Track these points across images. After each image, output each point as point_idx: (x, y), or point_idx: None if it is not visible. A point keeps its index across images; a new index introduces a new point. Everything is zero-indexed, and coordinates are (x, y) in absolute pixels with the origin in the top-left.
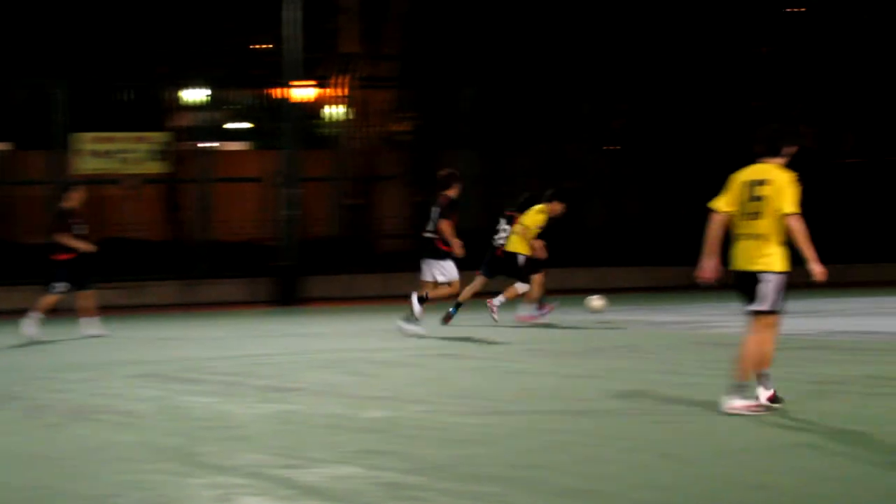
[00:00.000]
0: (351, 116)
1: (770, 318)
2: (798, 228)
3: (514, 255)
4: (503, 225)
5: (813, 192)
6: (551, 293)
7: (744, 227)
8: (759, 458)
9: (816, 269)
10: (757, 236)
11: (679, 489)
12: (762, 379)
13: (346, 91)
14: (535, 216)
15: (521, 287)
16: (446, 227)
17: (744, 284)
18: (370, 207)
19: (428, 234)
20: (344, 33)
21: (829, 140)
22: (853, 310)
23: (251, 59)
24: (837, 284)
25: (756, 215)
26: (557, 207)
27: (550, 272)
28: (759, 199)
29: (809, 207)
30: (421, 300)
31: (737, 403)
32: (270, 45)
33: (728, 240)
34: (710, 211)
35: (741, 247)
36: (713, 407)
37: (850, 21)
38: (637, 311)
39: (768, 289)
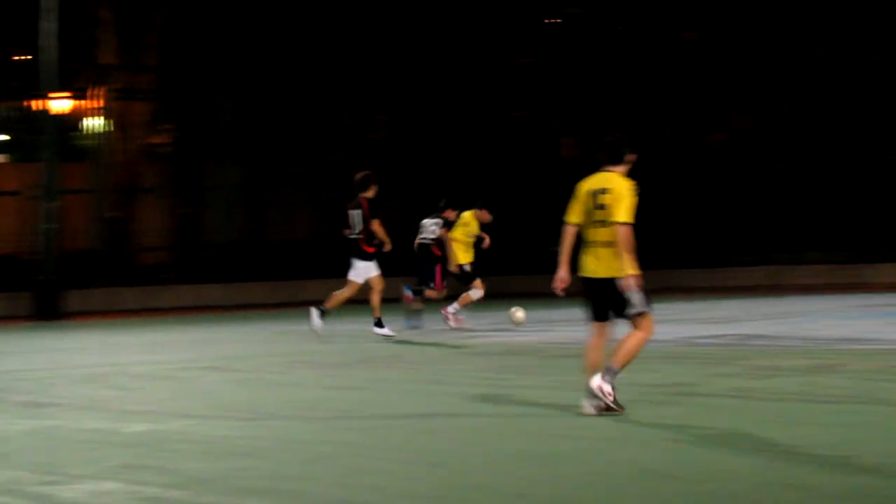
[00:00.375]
0: (110, 128)
1: (649, 317)
2: (624, 237)
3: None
4: (431, 227)
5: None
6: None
7: (592, 235)
8: (524, 466)
9: (626, 280)
10: (606, 244)
11: (442, 499)
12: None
13: (104, 102)
14: (465, 228)
15: (474, 294)
16: (378, 226)
17: (598, 291)
18: (131, 220)
19: (353, 236)
20: (102, 45)
21: (592, 149)
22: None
23: (8, 70)
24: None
25: (602, 223)
26: (486, 216)
27: (328, 282)
28: (602, 207)
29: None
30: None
31: (605, 386)
32: (29, 56)
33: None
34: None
35: (592, 255)
36: (479, 415)
37: (610, 31)
38: (402, 321)
39: (633, 294)
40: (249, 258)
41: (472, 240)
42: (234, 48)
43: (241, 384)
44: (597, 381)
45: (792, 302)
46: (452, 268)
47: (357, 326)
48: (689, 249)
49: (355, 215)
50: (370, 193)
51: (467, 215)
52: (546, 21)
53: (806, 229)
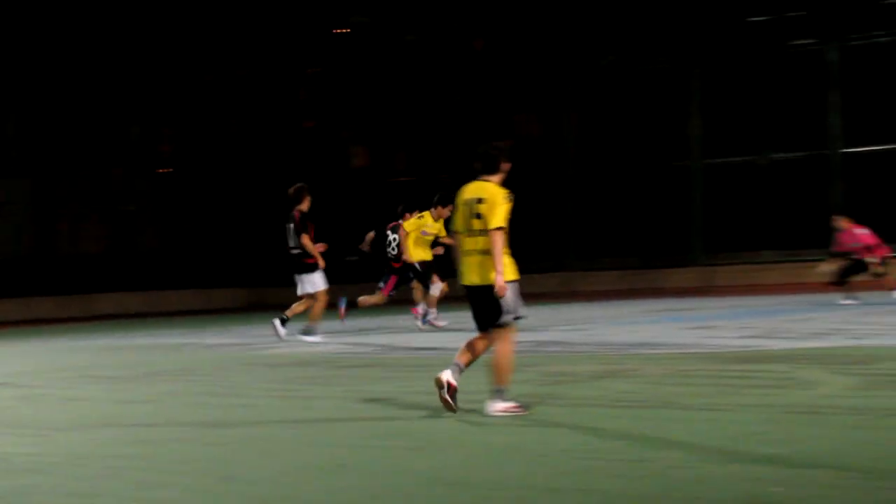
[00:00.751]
0: None
1: (510, 327)
2: (497, 243)
3: (411, 265)
4: (392, 236)
5: (368, 210)
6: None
7: (470, 243)
8: (316, 477)
9: (500, 284)
10: (483, 251)
11: None
12: (497, 393)
13: None
14: (418, 222)
15: (434, 289)
16: (306, 240)
17: (477, 298)
18: None
19: (294, 251)
20: None
21: (382, 158)
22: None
23: None
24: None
25: (479, 232)
26: (444, 212)
27: (119, 295)
28: (479, 216)
29: (364, 225)
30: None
31: (499, 406)
32: None
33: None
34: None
35: (470, 262)
36: (270, 427)
37: (397, 40)
38: (191, 333)
39: (507, 300)
40: (39, 273)
41: (428, 238)
42: (17, 61)
43: (28, 400)
44: (491, 407)
45: (585, 308)
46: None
47: (141, 340)
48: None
49: (289, 229)
50: (304, 206)
51: (420, 215)
52: (334, 31)
53: (597, 236)
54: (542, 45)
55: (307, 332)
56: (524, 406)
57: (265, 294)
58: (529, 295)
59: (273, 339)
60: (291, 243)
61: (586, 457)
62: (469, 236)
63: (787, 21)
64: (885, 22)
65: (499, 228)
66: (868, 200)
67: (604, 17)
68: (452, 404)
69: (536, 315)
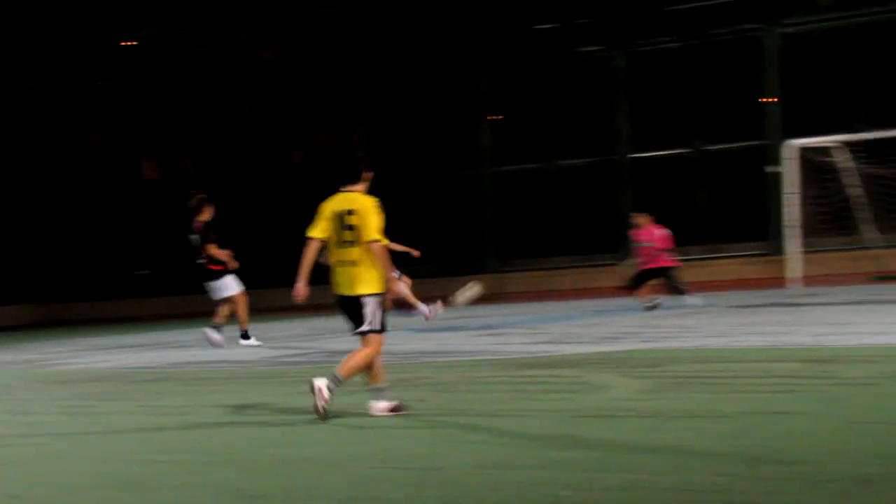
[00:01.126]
0: None
1: (377, 336)
2: (380, 253)
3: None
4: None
5: (160, 222)
6: None
7: (340, 254)
8: (107, 494)
9: (392, 288)
10: (353, 262)
11: None
12: (378, 394)
13: None
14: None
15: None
16: (213, 249)
17: (347, 308)
18: None
19: (199, 261)
20: None
21: (172, 171)
22: (199, 340)
23: None
24: (184, 315)
25: (350, 243)
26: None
27: None
28: (350, 227)
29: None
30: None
31: (381, 405)
32: None
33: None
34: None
35: (340, 273)
36: (60, 443)
37: (187, 52)
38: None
39: (369, 310)
40: None
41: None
42: None
43: None
44: (320, 382)
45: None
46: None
47: None
48: (277, 269)
49: (193, 240)
50: (205, 216)
51: None
52: (122, 43)
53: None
54: (332, 56)
55: (245, 337)
56: (402, 406)
57: (54, 310)
58: (320, 306)
59: (63, 354)
60: (196, 254)
61: (381, 466)
62: (340, 247)
63: (573, 28)
64: (671, 28)
65: (377, 241)
66: (657, 205)
67: (392, 27)
68: (320, 414)
69: (331, 324)
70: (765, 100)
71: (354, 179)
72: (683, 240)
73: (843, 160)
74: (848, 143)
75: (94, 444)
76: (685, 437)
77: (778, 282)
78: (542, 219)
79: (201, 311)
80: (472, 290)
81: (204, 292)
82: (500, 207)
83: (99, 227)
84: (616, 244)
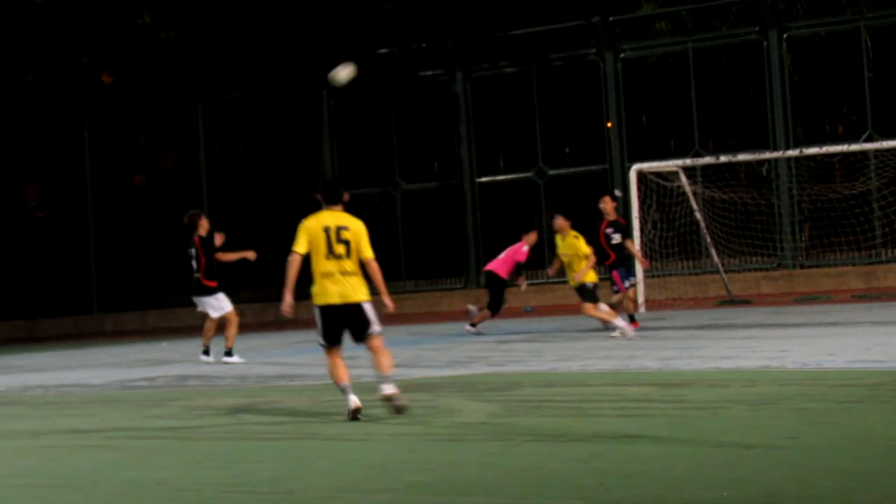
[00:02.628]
0: None
1: (379, 336)
2: (377, 269)
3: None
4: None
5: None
6: None
7: (331, 265)
8: None
9: (389, 303)
10: (349, 273)
11: None
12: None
13: None
14: None
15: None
16: (225, 255)
17: (343, 315)
18: None
19: (195, 275)
20: None
21: (14, 194)
22: (46, 364)
23: None
24: (27, 339)
25: (343, 256)
26: None
27: None
28: (345, 241)
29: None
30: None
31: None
32: None
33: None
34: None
35: (333, 283)
36: None
37: (24, 76)
38: None
39: (370, 313)
40: None
41: None
42: None
43: None
44: (389, 389)
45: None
46: None
47: None
48: (119, 291)
49: (192, 254)
50: (201, 231)
51: None
52: None
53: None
54: (173, 79)
55: (229, 354)
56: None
57: None
58: (168, 329)
59: None
60: (196, 267)
61: (233, 490)
62: (330, 259)
63: (414, 52)
64: (510, 53)
65: (373, 257)
66: (502, 229)
67: (235, 49)
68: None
69: (175, 349)
70: (607, 124)
71: (335, 201)
72: (530, 264)
73: (686, 185)
74: (689, 168)
75: None
76: (539, 460)
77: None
78: (388, 242)
79: (46, 335)
80: None
81: (50, 315)
82: None
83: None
84: (460, 269)
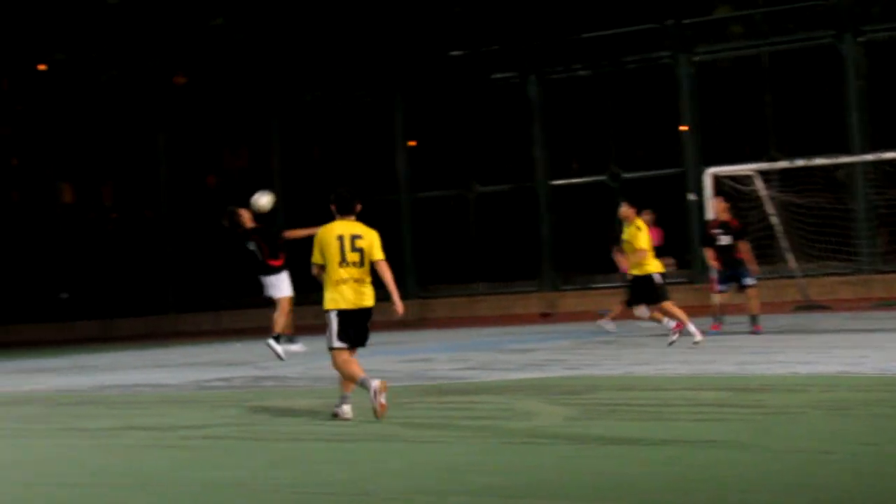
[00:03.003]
0: None
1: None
2: (388, 270)
3: None
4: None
5: (77, 245)
6: None
7: (347, 273)
8: None
9: (399, 307)
10: (361, 280)
11: None
12: (347, 400)
13: None
14: None
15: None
16: (291, 232)
17: (355, 319)
18: None
19: (261, 262)
20: None
21: (89, 194)
22: (121, 364)
23: None
24: (102, 339)
25: (357, 263)
26: None
27: None
28: (359, 250)
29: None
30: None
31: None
32: None
33: None
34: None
35: (350, 289)
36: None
37: (99, 77)
38: None
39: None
40: None
41: None
42: None
43: None
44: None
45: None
46: None
47: None
48: (192, 292)
49: (250, 246)
50: (248, 224)
51: None
52: (38, 67)
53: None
54: (246, 80)
55: (276, 339)
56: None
57: None
58: (242, 330)
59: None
60: (260, 258)
61: (308, 492)
62: (344, 266)
63: (486, 55)
64: (583, 56)
65: (384, 259)
66: (575, 232)
67: (308, 51)
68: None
69: (251, 350)
70: (680, 128)
71: (348, 211)
72: (605, 267)
73: (761, 189)
74: (764, 172)
75: (16, 468)
76: (613, 465)
77: (701, 310)
78: (462, 245)
79: (121, 335)
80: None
81: (125, 316)
82: (419, 234)
83: (18, 251)
84: (534, 272)
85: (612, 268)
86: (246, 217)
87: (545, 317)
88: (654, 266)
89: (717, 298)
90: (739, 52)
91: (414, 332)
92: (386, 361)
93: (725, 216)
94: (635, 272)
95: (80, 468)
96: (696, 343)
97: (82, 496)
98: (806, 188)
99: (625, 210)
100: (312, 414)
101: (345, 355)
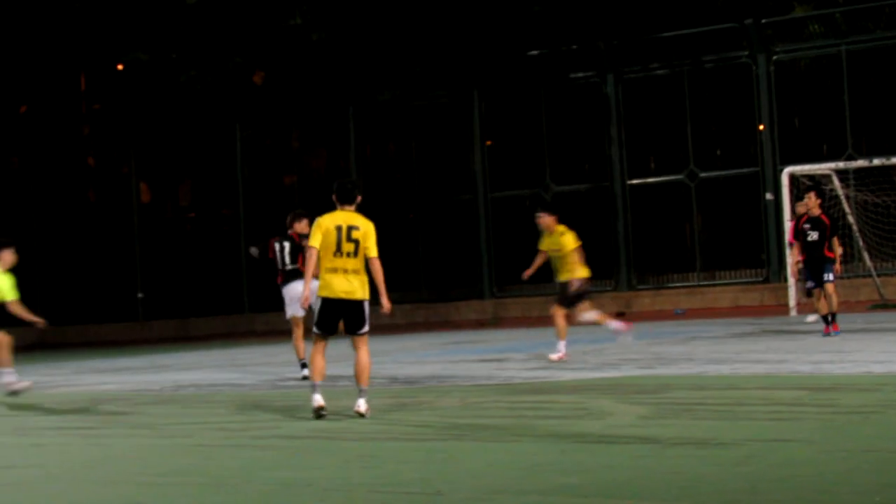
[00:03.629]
0: None
1: (366, 336)
2: (380, 268)
3: None
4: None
5: (153, 244)
6: None
7: (337, 262)
8: None
9: (386, 304)
10: (354, 271)
11: None
12: (364, 394)
13: None
14: None
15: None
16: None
17: (343, 309)
18: None
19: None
20: None
21: (166, 193)
22: (198, 363)
23: None
24: (178, 338)
25: (351, 254)
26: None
27: None
28: (355, 241)
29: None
30: None
31: (363, 407)
32: None
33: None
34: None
35: (339, 279)
36: (65, 466)
37: (178, 76)
38: None
39: (366, 313)
40: None
41: None
42: None
43: None
44: (363, 406)
45: (374, 342)
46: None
47: None
48: (269, 292)
49: (285, 247)
50: (300, 227)
51: None
52: (118, 66)
53: (386, 270)
54: (324, 80)
55: None
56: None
57: (52, 333)
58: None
59: (64, 377)
60: (287, 261)
61: (382, 491)
62: (338, 256)
63: (565, 54)
64: (661, 55)
65: (377, 257)
66: (652, 232)
67: (386, 51)
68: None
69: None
70: (758, 127)
71: (350, 201)
72: (680, 266)
73: (838, 188)
74: (841, 171)
75: (94, 467)
76: (689, 464)
77: (776, 309)
78: (538, 244)
79: (197, 334)
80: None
81: (201, 315)
82: (496, 233)
83: (95, 251)
84: (612, 271)
85: (689, 267)
86: (303, 225)
87: (620, 316)
88: (581, 272)
89: (817, 297)
90: (818, 51)
91: (489, 332)
92: (460, 360)
93: (816, 211)
94: (564, 277)
95: (156, 467)
96: (552, 360)
97: (158, 495)
98: (883, 187)
99: (545, 219)
100: (385, 413)
101: (319, 343)
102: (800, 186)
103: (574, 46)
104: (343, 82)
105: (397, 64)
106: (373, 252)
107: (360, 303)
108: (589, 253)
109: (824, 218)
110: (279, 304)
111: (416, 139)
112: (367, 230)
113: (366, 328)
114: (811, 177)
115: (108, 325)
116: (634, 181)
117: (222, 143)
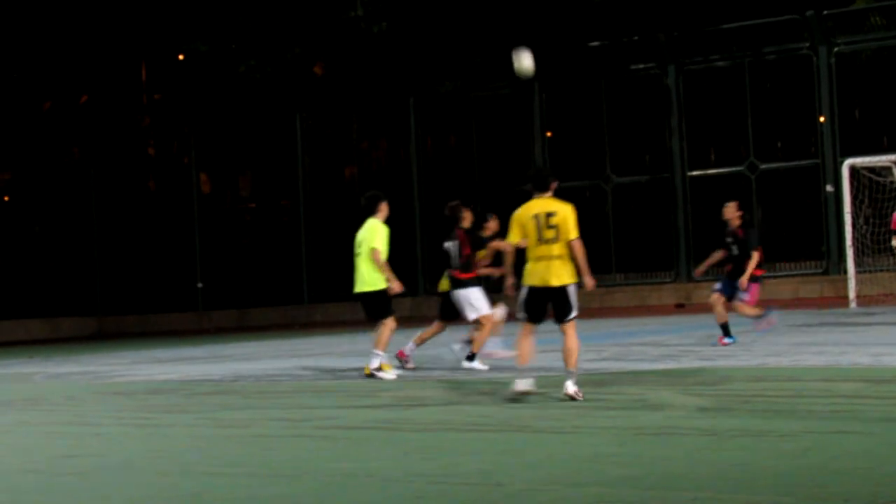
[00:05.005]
0: None
1: (574, 322)
2: (581, 248)
3: None
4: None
5: (213, 235)
6: None
7: (543, 250)
8: None
9: (589, 282)
10: (557, 256)
11: None
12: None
13: None
14: None
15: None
16: (497, 243)
17: (547, 297)
18: None
19: (453, 268)
20: None
21: (226, 184)
22: (257, 354)
23: None
24: (238, 328)
25: (552, 240)
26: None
27: None
28: (554, 227)
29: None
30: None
31: (574, 388)
32: None
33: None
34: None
35: (542, 266)
36: (127, 455)
37: (237, 67)
38: (39, 363)
39: (574, 297)
40: None
41: None
42: None
43: None
44: (571, 388)
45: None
46: None
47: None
48: (329, 282)
49: (449, 247)
50: (466, 223)
51: None
52: (179, 57)
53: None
54: (385, 71)
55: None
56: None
57: (112, 323)
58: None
59: (125, 366)
60: (452, 263)
61: (443, 481)
62: (541, 244)
63: (626, 45)
64: (722, 47)
65: (578, 238)
66: (712, 224)
67: (446, 42)
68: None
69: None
70: (819, 118)
71: (544, 188)
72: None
73: None
74: None
75: (155, 457)
76: (748, 456)
77: (835, 301)
78: (598, 235)
79: (256, 324)
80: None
81: (260, 305)
82: None
83: (155, 241)
84: (672, 262)
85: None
86: (467, 219)
87: (680, 308)
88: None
89: None
90: (879, 42)
91: (547, 323)
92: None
93: None
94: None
95: (215, 458)
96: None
97: (217, 486)
98: None
99: (493, 224)
100: (446, 404)
101: (527, 330)
102: (860, 179)
103: (635, 38)
104: (404, 73)
105: (458, 55)
106: (572, 234)
107: (564, 289)
108: (648, 244)
109: None
110: (338, 294)
111: (476, 131)
112: (565, 214)
113: (573, 314)
114: (870, 169)
115: (167, 315)
116: (695, 173)
117: (282, 133)
